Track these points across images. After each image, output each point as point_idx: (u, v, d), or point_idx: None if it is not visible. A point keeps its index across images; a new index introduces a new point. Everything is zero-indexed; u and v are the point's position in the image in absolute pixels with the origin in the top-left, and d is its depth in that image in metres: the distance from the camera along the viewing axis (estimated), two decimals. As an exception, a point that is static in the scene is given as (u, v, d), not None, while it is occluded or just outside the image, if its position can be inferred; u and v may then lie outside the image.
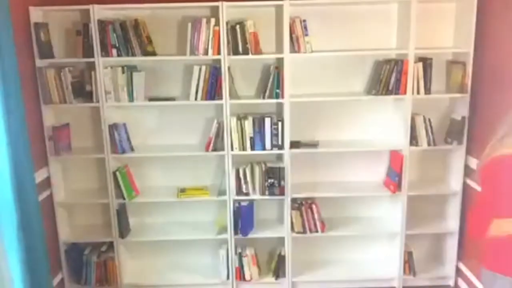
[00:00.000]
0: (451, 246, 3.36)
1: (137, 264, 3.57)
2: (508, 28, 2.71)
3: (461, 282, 3.36)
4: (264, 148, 3.17)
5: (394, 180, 3.24)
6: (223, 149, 3.16)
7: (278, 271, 3.37)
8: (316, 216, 3.26)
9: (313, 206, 3.25)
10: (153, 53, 3.10)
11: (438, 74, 3.20)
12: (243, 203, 3.25)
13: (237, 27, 2.98)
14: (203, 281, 3.41)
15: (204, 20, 2.97)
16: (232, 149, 3.15)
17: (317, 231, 3.29)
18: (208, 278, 3.41)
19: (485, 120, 3.01)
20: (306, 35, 3.01)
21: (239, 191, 3.22)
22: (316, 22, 3.13)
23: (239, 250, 3.34)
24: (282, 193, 3.21)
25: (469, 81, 3.05)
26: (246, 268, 3.34)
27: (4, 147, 2.40)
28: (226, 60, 3.02)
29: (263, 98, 3.11)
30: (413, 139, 3.16)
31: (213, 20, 2.96)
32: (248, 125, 3.13)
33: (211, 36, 2.98)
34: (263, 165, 3.23)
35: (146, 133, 3.36)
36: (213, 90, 3.08)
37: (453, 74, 3.15)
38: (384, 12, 3.20)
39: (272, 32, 3.21)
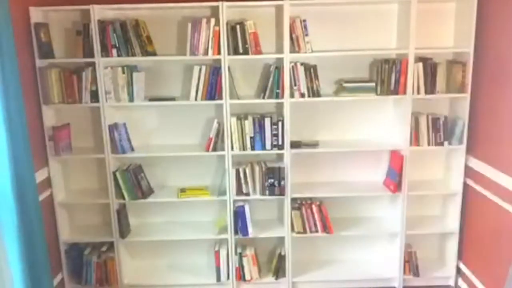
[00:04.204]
0: (452, 246, 3.36)
1: (137, 264, 3.57)
2: (508, 28, 2.71)
3: (461, 282, 3.36)
4: (264, 148, 3.17)
5: (394, 180, 3.23)
6: (223, 149, 3.16)
7: (278, 271, 3.37)
8: (316, 216, 3.26)
9: (313, 206, 3.25)
10: (153, 53, 3.10)
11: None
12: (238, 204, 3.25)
13: (237, 27, 2.98)
14: (202, 281, 3.40)
15: (204, 20, 2.97)
16: (232, 149, 3.15)
17: (317, 231, 3.29)
18: (208, 278, 3.41)
19: (485, 120, 3.01)
20: (306, 35, 3.01)
21: (239, 191, 3.23)
22: (316, 22, 3.13)
23: (239, 250, 3.34)
24: (282, 193, 3.21)
25: (469, 81, 3.05)
26: (246, 268, 3.34)
27: (5, 147, 2.41)
28: (226, 60, 3.02)
29: (263, 98, 3.11)
30: (413, 139, 3.16)
31: (213, 20, 2.96)
32: (248, 125, 3.13)
33: (211, 36, 2.98)
34: (263, 165, 3.23)
35: (146, 133, 3.36)
36: (213, 90, 3.08)
37: (453, 74, 3.15)
38: (384, 12, 3.20)
39: (272, 32, 3.21)
